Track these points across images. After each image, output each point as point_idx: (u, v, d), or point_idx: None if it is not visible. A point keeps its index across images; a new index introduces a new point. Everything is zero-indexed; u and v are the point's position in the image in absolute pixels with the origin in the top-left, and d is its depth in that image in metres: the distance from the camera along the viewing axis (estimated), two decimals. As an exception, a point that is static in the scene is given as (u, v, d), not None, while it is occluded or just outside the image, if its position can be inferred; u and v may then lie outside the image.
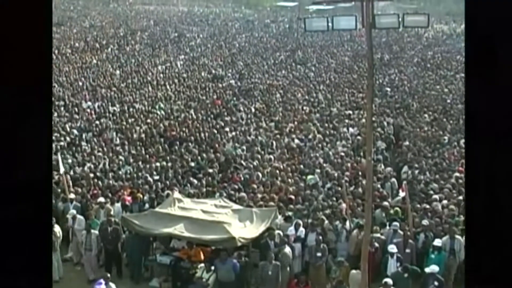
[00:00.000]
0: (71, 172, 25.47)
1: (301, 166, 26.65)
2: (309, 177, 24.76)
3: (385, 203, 21.86)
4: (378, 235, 19.65)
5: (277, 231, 19.63)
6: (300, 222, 20.18)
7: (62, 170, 22.98)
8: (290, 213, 20.77)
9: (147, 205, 22.20)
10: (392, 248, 18.41)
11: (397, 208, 21.74)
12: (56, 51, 62.92)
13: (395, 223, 19.99)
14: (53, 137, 30.81)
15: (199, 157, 27.76)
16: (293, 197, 22.46)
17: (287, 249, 18.87)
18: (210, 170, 25.76)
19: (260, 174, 25.21)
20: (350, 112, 36.99)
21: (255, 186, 23.90)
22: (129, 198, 22.75)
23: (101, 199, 22.21)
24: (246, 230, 18.99)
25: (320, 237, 19.42)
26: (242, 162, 26.90)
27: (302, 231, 19.93)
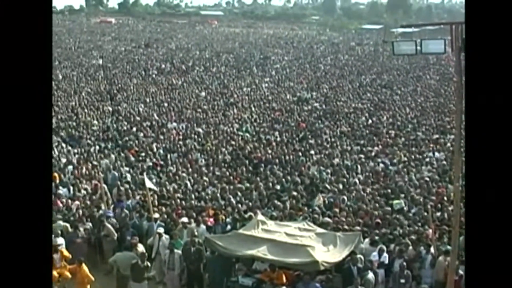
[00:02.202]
0: (156, 192, 25.68)
1: (386, 190, 26.26)
2: (395, 201, 24.38)
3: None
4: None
5: (359, 256, 19.31)
6: (384, 247, 19.85)
7: (148, 189, 23.20)
8: (376, 238, 20.43)
9: (229, 227, 22.21)
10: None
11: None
12: (143, 72, 64.09)
13: (481, 250, 19.46)
14: (139, 157, 31.35)
15: (283, 180, 27.67)
16: (379, 221, 22.12)
17: (370, 275, 18.54)
18: (295, 193, 25.63)
19: (345, 198, 24.97)
20: (437, 136, 36.46)
21: (339, 210, 23.66)
22: (211, 219, 22.83)
23: (185, 219, 22.32)
24: (329, 254, 18.75)
25: (404, 263, 19.06)
26: (327, 185, 26.67)
27: (385, 256, 19.58)
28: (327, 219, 22.36)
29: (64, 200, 24.97)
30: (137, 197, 25.29)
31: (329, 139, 35.90)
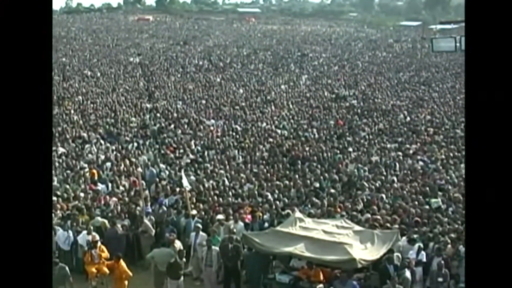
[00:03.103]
0: (193, 189, 25.74)
1: (425, 188, 26.06)
2: (433, 200, 24.20)
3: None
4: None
5: (397, 254, 19.18)
6: (422, 245, 19.71)
7: (185, 186, 23.29)
8: (414, 236, 20.28)
9: (266, 224, 22.21)
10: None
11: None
12: (181, 70, 64.28)
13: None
14: (177, 154, 31.47)
15: (321, 177, 27.58)
16: (418, 219, 21.94)
17: (408, 273, 18.40)
18: (332, 190, 25.56)
19: (383, 196, 24.82)
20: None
21: (377, 207, 23.55)
22: (249, 216, 22.84)
23: (221, 216, 22.38)
24: (367, 252, 18.66)
25: (443, 262, 18.89)
26: (365, 183, 26.55)
27: (423, 254, 19.43)
28: (365, 216, 22.27)
29: (102, 197, 25.19)
30: (175, 194, 25.39)
31: (367, 137, 35.76)
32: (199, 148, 33.29)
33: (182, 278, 19.50)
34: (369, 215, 22.39)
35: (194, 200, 24.48)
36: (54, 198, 24.60)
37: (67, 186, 26.61)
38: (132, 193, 25.62)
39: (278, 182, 26.88)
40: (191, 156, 31.37)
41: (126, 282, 19.42)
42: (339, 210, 23.20)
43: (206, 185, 26.53)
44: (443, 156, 31.16)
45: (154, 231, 22.27)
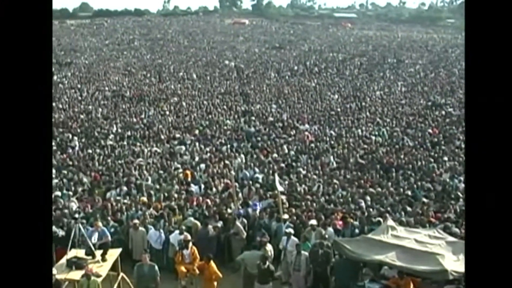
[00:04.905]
0: (286, 193, 25.77)
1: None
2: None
3: None
4: None
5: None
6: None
7: (279, 190, 23.36)
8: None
9: (357, 231, 22.07)
10: None
11: None
12: (276, 73, 64.61)
13: None
14: (271, 158, 31.60)
15: (414, 186, 27.27)
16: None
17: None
18: (426, 200, 25.20)
19: (477, 207, 24.28)
20: None
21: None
22: (340, 222, 22.74)
23: (313, 222, 22.27)
24: (459, 263, 18.24)
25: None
26: (459, 193, 26.06)
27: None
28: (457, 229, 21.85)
29: (194, 198, 25.48)
30: (268, 198, 25.49)
31: (462, 146, 35.12)
32: (293, 152, 33.38)
33: (270, 283, 19.53)
34: (463, 226, 21.96)
35: (287, 204, 24.51)
36: (144, 199, 25.14)
37: (161, 186, 27.08)
38: (225, 195, 25.83)
39: (371, 189, 26.68)
40: (285, 160, 31.47)
41: (215, 283, 19.55)
42: (432, 219, 22.88)
43: (299, 190, 26.55)
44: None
45: (245, 233, 22.40)
